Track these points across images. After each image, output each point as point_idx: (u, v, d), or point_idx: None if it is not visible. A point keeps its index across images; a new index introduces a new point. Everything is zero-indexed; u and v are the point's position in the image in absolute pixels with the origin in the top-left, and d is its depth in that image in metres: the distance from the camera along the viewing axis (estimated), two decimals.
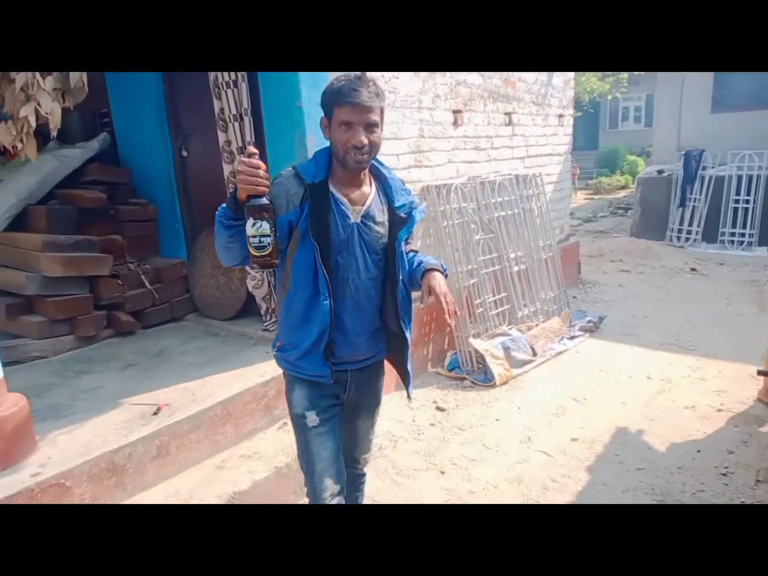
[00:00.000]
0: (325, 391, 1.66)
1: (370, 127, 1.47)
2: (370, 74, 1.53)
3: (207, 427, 2.56)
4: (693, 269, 6.70)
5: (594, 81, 14.66)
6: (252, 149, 1.42)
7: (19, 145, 2.89)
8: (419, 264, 1.63)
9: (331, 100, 1.47)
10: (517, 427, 3.11)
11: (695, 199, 8.21)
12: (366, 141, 1.46)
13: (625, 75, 15.24)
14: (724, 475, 2.58)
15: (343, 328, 1.60)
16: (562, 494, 2.50)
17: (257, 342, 3.37)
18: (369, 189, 1.60)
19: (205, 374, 2.90)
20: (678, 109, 9.12)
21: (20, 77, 2.67)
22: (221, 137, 3.27)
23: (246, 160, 1.38)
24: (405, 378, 1.77)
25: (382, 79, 3.37)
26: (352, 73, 1.49)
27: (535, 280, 4.61)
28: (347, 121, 1.45)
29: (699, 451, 2.79)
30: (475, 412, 3.31)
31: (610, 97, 16.73)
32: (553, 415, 3.24)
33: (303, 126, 2.97)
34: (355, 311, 1.60)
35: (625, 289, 5.90)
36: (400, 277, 1.60)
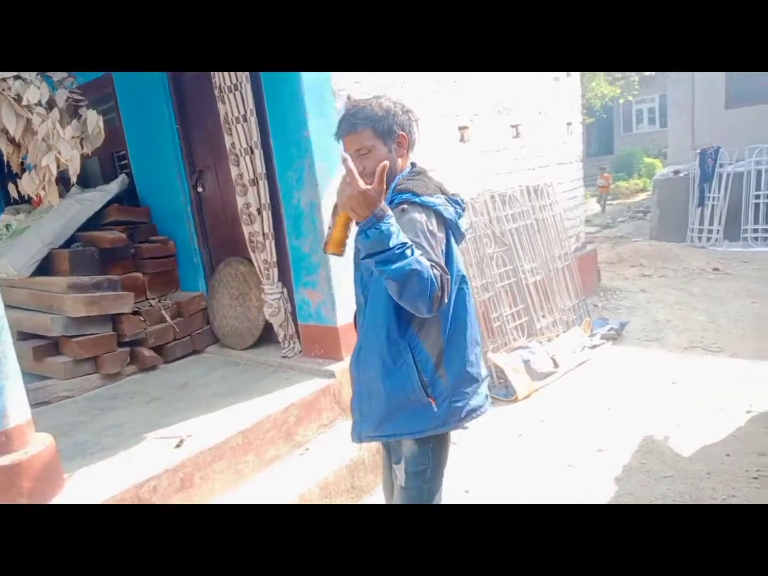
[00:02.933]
0: None
1: (359, 153, 1.50)
2: (362, 101, 1.55)
3: (229, 457, 2.60)
4: (716, 269, 6.57)
5: (604, 85, 14.62)
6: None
7: (42, 193, 3.04)
8: None
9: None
10: (541, 441, 3.08)
11: (714, 197, 8.09)
12: (360, 168, 1.44)
13: (635, 77, 15.16)
14: (755, 478, 2.50)
15: None
16: None
17: (276, 369, 3.42)
18: None
19: (226, 404, 2.95)
20: (691, 107, 9.04)
21: (42, 128, 2.82)
22: (234, 171, 3.37)
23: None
24: None
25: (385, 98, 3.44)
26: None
27: (552, 290, 4.58)
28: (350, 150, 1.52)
29: (728, 455, 2.72)
30: (497, 427, 3.28)
31: (621, 100, 16.66)
32: (578, 426, 3.20)
33: (311, 154, 3.03)
34: None
35: (646, 293, 5.81)
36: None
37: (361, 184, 1.28)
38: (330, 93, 3.11)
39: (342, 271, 3.19)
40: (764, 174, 7.72)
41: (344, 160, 1.31)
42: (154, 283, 3.97)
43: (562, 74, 5.59)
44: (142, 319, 3.63)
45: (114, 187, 4.16)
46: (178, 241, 4.15)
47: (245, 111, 3.24)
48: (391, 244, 1.28)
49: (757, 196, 7.73)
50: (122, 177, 4.28)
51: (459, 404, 1.55)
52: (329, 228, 1.63)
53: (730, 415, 3.10)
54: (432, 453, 1.62)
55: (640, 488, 2.55)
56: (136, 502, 2.24)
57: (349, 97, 3.18)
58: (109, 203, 4.04)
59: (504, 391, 3.66)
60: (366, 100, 1.54)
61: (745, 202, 7.81)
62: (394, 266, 1.28)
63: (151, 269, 3.97)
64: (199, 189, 4.01)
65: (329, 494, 2.60)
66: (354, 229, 1.55)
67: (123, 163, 4.47)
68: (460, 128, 4.18)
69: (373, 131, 1.49)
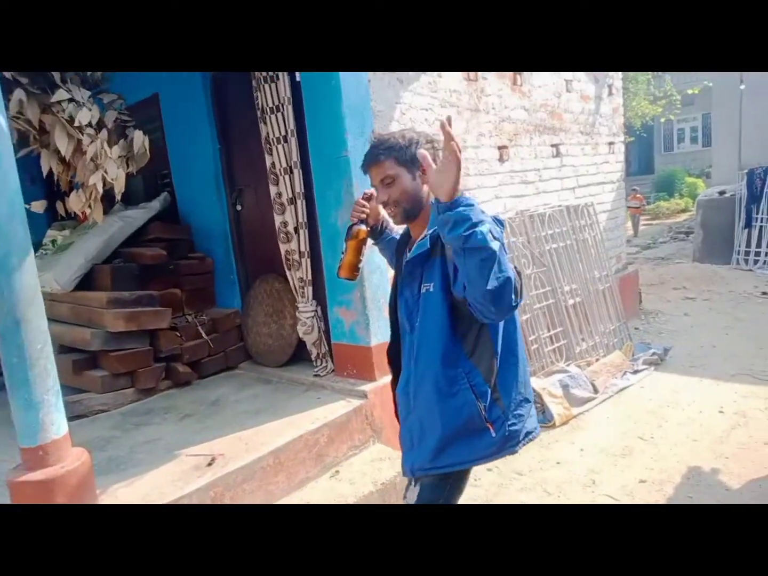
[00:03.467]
0: None
1: (384, 183, 1.53)
2: (386, 134, 1.57)
3: (260, 477, 2.57)
4: (764, 293, 6.29)
5: (645, 105, 14.38)
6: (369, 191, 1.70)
7: (88, 211, 3.13)
8: None
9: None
10: (580, 470, 2.96)
11: (762, 218, 7.79)
12: (385, 197, 1.54)
13: (677, 96, 14.87)
14: None
15: None
16: None
17: (308, 388, 3.40)
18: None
19: (258, 422, 2.94)
20: (738, 126, 8.81)
21: (90, 148, 2.91)
22: (272, 190, 3.41)
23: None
24: None
25: (425, 122, 3.44)
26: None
27: (592, 313, 4.45)
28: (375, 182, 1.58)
29: None
30: (534, 455, 3.17)
31: (663, 119, 16.34)
32: (619, 456, 3.07)
33: (350, 174, 3.03)
34: None
35: (690, 317, 5.60)
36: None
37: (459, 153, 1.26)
38: (370, 112, 3.13)
39: (377, 291, 3.17)
40: None
41: (442, 126, 1.26)
42: (191, 299, 4.03)
43: (605, 92, 5.51)
44: (179, 335, 3.68)
45: (156, 205, 4.26)
46: (216, 258, 4.21)
47: (286, 132, 3.28)
48: (483, 216, 1.27)
49: None
50: (164, 195, 4.38)
51: (516, 428, 1.50)
52: (342, 253, 1.70)
53: None
54: (450, 487, 1.58)
55: None
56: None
57: (373, 132, 3.20)
58: (150, 220, 4.14)
59: (541, 417, 3.54)
60: (390, 133, 1.57)
61: None
62: (491, 237, 1.24)
63: (189, 285, 4.04)
64: (238, 207, 4.07)
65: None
66: (366, 254, 1.68)
67: (165, 181, 4.59)
68: (500, 148, 4.14)
69: (396, 160, 1.52)
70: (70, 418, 2.48)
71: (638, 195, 12.81)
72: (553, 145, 4.75)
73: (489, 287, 1.24)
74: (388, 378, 3.22)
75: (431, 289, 1.46)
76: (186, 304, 4.00)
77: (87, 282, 3.80)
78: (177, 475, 2.45)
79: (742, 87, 8.65)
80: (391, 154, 1.51)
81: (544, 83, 4.62)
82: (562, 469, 3.00)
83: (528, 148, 4.46)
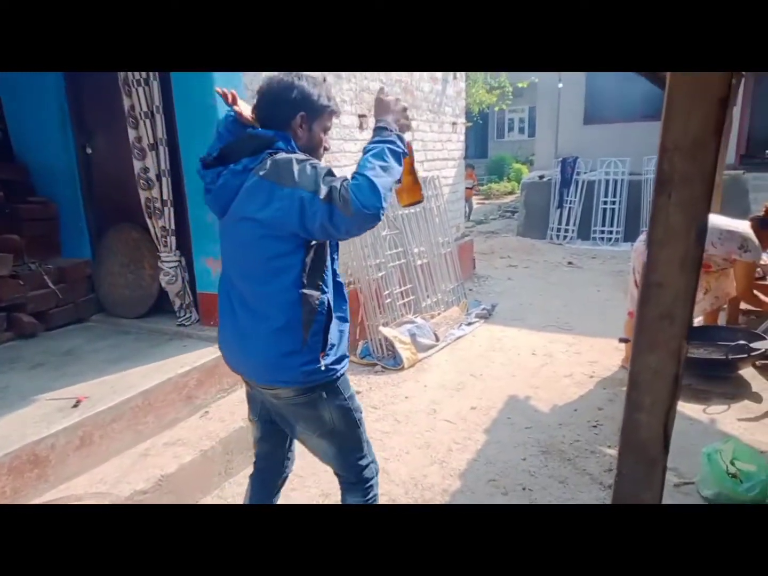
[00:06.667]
0: None
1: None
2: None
3: (129, 418, 2.61)
4: (570, 263, 7.52)
5: (483, 93, 15.70)
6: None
7: None
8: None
9: (323, 106, 1.57)
10: (424, 402, 3.44)
11: (571, 201, 9.17)
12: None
13: (510, 88, 16.44)
14: (595, 426, 3.05)
15: None
16: (465, 453, 2.83)
17: (172, 337, 3.41)
18: None
19: (121, 369, 2.92)
20: (555, 120, 10.13)
21: None
22: (131, 134, 3.29)
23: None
24: None
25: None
26: (321, 77, 1.60)
27: (436, 274, 5.00)
28: (328, 128, 1.62)
29: (576, 410, 3.26)
30: (386, 392, 3.59)
31: (497, 108, 17.96)
32: (455, 390, 3.61)
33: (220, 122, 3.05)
34: None
35: (513, 281, 6.52)
36: None
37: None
38: None
39: None
40: (611, 183, 8.91)
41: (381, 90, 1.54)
42: (32, 246, 3.72)
43: (450, 76, 6.04)
44: (21, 283, 3.41)
45: None
46: (61, 204, 3.92)
47: (148, 75, 3.18)
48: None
49: (605, 202, 8.92)
50: None
51: None
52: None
53: (577, 380, 3.69)
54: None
55: (507, 437, 2.99)
56: (32, 459, 2.19)
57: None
58: None
59: (392, 361, 3.98)
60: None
61: (596, 206, 8.97)
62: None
63: (29, 232, 3.71)
64: (88, 150, 3.82)
65: (230, 452, 2.71)
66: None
67: None
68: (360, 116, 4.41)
69: None
70: None
71: (473, 174, 13.02)
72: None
73: (385, 190, 1.46)
74: None
75: None
76: (26, 251, 3.68)
77: None
78: (39, 417, 2.40)
79: (560, 85, 9.97)
80: None
81: None
82: (409, 403, 3.45)
83: None
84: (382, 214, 1.35)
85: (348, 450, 1.70)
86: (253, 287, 1.52)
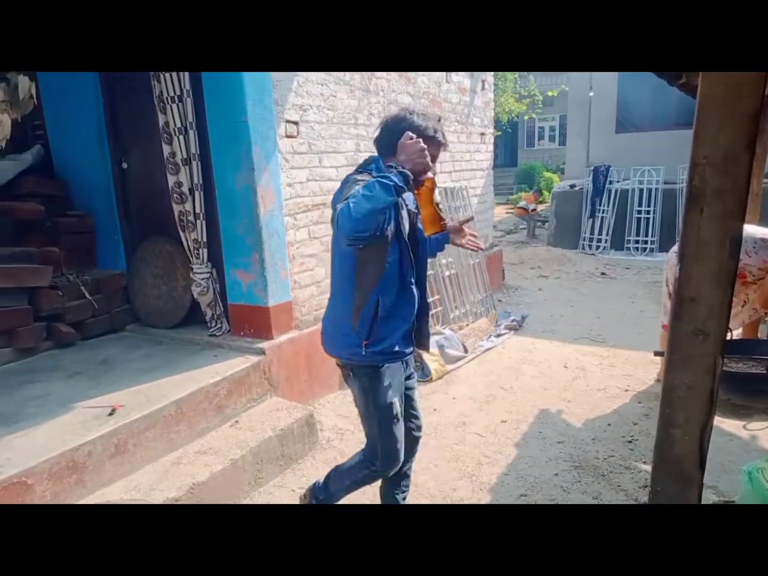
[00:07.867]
0: (402, 376, 1.95)
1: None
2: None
3: (162, 426, 2.66)
4: (603, 273, 7.38)
5: (512, 102, 15.63)
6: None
7: None
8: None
9: (429, 137, 1.79)
10: (453, 415, 3.40)
11: (603, 210, 9.02)
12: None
13: (540, 96, 16.32)
14: (630, 442, 2.97)
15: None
16: (495, 467, 2.79)
17: (204, 347, 3.47)
18: None
19: (155, 378, 2.98)
20: (587, 129, 10.00)
21: None
22: (166, 149, 3.38)
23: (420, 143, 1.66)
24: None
25: (321, 96, 3.62)
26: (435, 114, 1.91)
27: (464, 284, 4.97)
28: (435, 156, 1.82)
29: (609, 425, 3.18)
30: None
31: (526, 117, 17.86)
32: (484, 402, 3.56)
33: (249, 140, 3.11)
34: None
35: (544, 292, 6.43)
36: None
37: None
38: (269, 81, 3.22)
39: (275, 254, 3.33)
40: (645, 192, 8.74)
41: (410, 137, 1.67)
42: (70, 258, 3.85)
43: (479, 87, 6.04)
44: (60, 294, 3.53)
45: (28, 158, 3.97)
46: (98, 218, 4.05)
47: (182, 92, 3.28)
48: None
49: (639, 211, 8.74)
50: (38, 148, 4.09)
51: None
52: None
53: (611, 393, 3.61)
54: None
55: (538, 452, 2.93)
56: (71, 465, 2.25)
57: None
58: (20, 174, 3.86)
59: (420, 373, 3.96)
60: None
61: (629, 215, 8.80)
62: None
63: (68, 244, 3.84)
64: (124, 165, 3.95)
65: (260, 461, 2.73)
66: (438, 199, 1.91)
67: (38, 133, 4.27)
68: None
69: None
70: None
71: (534, 197, 11.66)
72: None
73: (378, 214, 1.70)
74: (285, 336, 3.43)
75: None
76: (64, 263, 3.81)
77: None
78: (77, 425, 2.46)
79: (591, 94, 9.85)
80: None
81: (426, 72, 4.98)
82: (438, 415, 3.42)
83: None
84: (355, 235, 1.55)
85: (366, 428, 1.98)
86: (331, 275, 1.95)
